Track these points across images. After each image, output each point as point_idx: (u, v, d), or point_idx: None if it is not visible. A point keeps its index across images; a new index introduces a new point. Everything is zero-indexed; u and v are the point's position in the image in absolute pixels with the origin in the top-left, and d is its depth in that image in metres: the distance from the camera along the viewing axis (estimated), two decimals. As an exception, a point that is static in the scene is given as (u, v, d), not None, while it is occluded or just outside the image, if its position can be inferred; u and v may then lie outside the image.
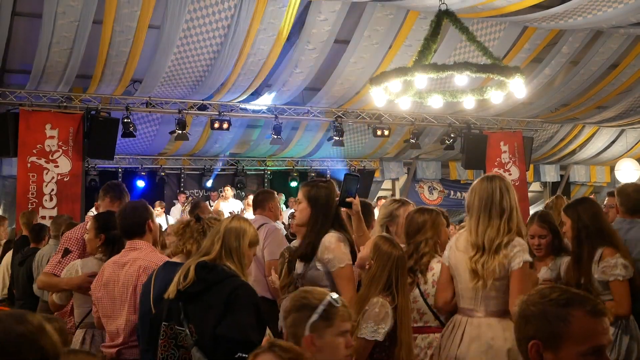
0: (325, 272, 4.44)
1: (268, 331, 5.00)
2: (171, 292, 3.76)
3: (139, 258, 4.48)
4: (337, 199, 4.61)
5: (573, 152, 19.84)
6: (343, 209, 4.72)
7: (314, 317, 2.97)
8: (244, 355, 3.66)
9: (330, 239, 4.45)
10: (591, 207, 5.25)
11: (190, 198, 15.95)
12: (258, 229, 6.86)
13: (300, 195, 4.77)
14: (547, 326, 2.31)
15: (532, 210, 18.65)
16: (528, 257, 4.13)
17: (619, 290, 4.92)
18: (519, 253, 4.09)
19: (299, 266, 4.59)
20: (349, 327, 3.04)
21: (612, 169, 20.13)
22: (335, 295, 3.06)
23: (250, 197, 14.68)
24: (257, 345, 3.84)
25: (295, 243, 4.97)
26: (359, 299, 4.16)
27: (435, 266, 4.61)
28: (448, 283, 4.35)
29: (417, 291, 4.60)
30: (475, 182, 4.40)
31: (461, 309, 4.28)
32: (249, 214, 11.97)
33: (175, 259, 4.17)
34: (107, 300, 4.50)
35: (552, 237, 5.44)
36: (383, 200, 17.43)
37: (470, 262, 4.13)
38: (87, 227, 5.38)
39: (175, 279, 3.78)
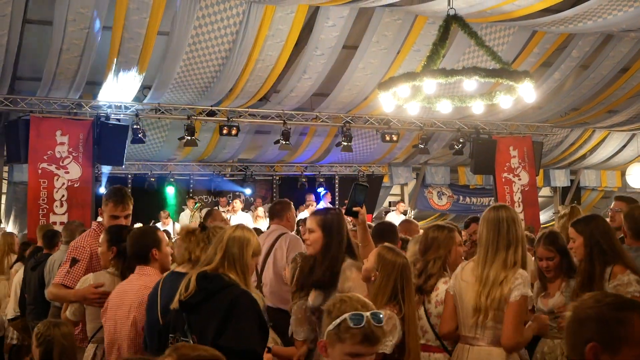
0: None
1: (278, 340, 5.01)
2: (175, 302, 3.77)
3: (145, 286, 4.45)
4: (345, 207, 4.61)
5: (583, 157, 19.76)
6: (349, 218, 4.73)
7: (330, 326, 2.96)
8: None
9: (351, 268, 4.47)
10: (603, 224, 5.17)
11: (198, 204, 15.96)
12: (278, 238, 6.83)
13: (312, 224, 4.74)
14: (606, 329, 2.28)
15: (542, 215, 18.69)
16: (527, 292, 4.15)
17: None
18: (519, 286, 4.10)
19: (314, 295, 4.55)
20: (363, 351, 2.93)
21: (622, 174, 20.02)
22: (364, 315, 2.93)
23: (260, 209, 14.70)
24: (259, 354, 3.84)
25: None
26: None
27: (441, 287, 4.59)
28: (453, 313, 4.37)
29: (422, 309, 4.59)
30: (484, 212, 4.43)
31: (463, 337, 4.30)
32: (260, 225, 12.01)
33: (180, 269, 4.16)
34: (111, 324, 4.53)
35: (561, 257, 5.36)
36: (402, 204, 17.53)
37: (475, 295, 4.17)
38: (100, 240, 5.39)
39: (179, 290, 3.80)
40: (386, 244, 4.37)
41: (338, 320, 2.90)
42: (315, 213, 4.87)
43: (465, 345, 4.28)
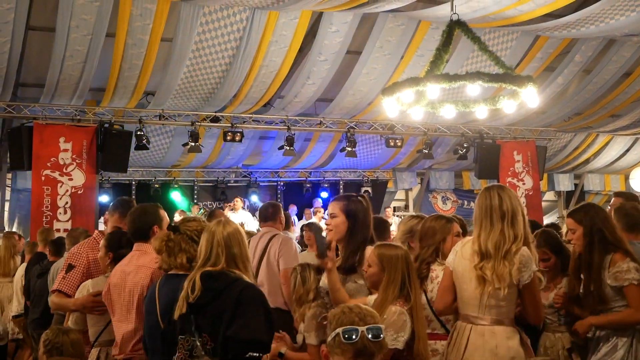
0: (363, 286, 4.48)
1: (289, 341, 5.01)
2: (182, 307, 3.76)
3: (143, 265, 4.49)
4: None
5: (587, 161, 19.84)
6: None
7: (329, 337, 2.96)
8: (254, 354, 3.70)
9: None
10: (602, 211, 5.18)
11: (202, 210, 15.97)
12: (271, 239, 6.90)
13: (335, 209, 4.76)
14: None
15: (547, 219, 18.68)
16: (535, 267, 4.16)
17: (635, 295, 4.82)
18: (528, 264, 4.10)
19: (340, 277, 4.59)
20: None
21: (626, 178, 20.09)
22: (359, 330, 2.91)
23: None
24: (267, 345, 3.83)
25: (306, 254, 4.96)
26: (376, 306, 4.07)
27: (440, 274, 4.58)
28: (450, 287, 4.35)
29: (424, 298, 4.57)
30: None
31: (464, 316, 4.28)
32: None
33: (173, 272, 4.12)
34: (116, 306, 4.54)
35: (556, 257, 5.41)
36: (390, 210, 17.54)
37: (476, 269, 4.14)
38: (100, 245, 5.42)
39: (183, 293, 3.78)
40: (377, 242, 4.40)
41: (333, 334, 2.88)
42: (339, 199, 4.86)
43: (467, 324, 4.25)
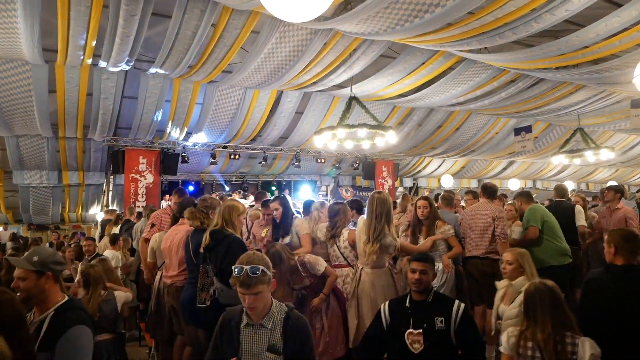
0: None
1: None
2: (201, 248, 3.76)
3: (182, 230, 4.46)
4: None
5: (419, 171, 19.96)
6: None
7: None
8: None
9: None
10: (432, 199, 5.06)
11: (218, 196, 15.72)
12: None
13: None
14: None
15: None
16: (393, 242, 4.15)
17: (454, 240, 4.84)
18: (392, 243, 4.12)
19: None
20: (243, 292, 2.36)
21: (439, 180, 20.27)
22: (244, 268, 2.38)
23: (251, 197, 14.53)
24: None
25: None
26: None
27: (344, 233, 4.46)
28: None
29: (335, 247, 4.47)
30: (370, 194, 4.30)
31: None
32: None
33: (198, 228, 4.10)
34: (170, 250, 4.51)
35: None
36: (317, 197, 17.46)
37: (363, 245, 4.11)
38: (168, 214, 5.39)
39: (202, 240, 3.76)
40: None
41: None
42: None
43: (360, 266, 4.20)
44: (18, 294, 2.33)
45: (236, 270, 2.35)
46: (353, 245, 4.38)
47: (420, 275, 3.04)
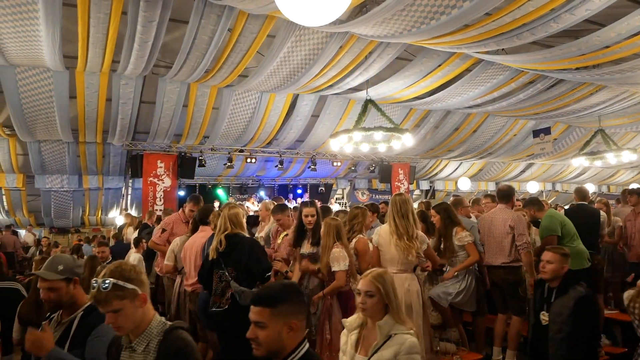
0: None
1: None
2: (213, 254, 3.78)
3: (203, 237, 4.46)
4: None
5: (435, 174, 19.87)
6: None
7: None
8: (269, 274, 3.76)
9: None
10: (447, 204, 5.04)
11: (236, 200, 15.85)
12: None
13: (312, 210, 4.40)
14: None
15: (415, 205, 18.74)
16: (427, 241, 4.11)
17: (471, 248, 4.72)
18: (424, 240, 4.04)
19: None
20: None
21: (456, 183, 20.16)
22: (98, 282, 1.93)
23: (268, 201, 14.53)
24: (271, 268, 3.81)
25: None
26: (326, 248, 3.96)
27: (353, 240, 4.33)
28: (376, 254, 4.11)
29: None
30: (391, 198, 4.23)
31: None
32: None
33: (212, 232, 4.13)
34: (190, 256, 4.54)
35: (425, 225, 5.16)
36: (333, 200, 17.53)
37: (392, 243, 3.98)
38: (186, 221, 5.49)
39: (213, 246, 3.78)
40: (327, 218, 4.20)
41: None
42: (311, 203, 4.38)
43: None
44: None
45: (93, 284, 1.94)
46: (357, 254, 4.23)
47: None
